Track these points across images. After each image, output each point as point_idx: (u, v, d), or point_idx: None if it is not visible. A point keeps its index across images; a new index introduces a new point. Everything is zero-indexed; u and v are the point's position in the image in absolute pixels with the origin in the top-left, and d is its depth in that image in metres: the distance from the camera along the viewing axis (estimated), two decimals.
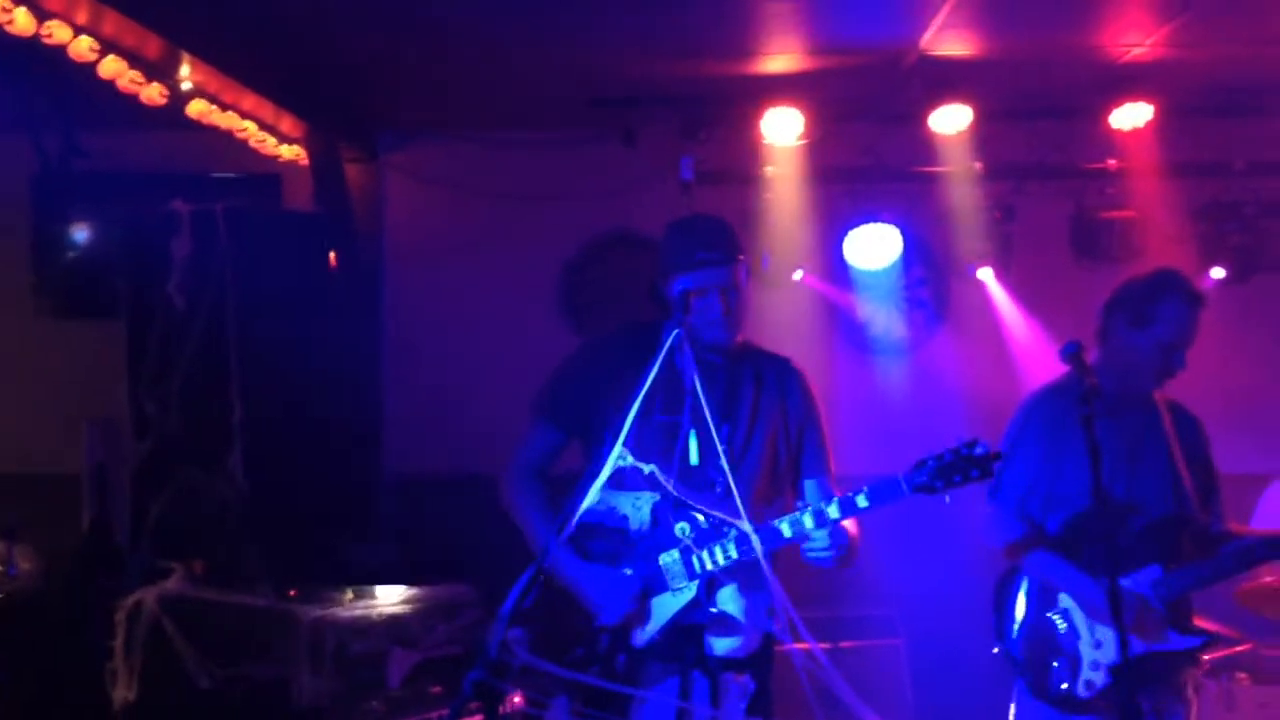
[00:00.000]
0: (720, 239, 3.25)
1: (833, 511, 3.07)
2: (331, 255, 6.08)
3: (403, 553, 5.71)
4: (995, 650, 3.75)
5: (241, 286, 5.47)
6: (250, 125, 5.60)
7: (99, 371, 5.67)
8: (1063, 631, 3.62)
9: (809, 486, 3.37)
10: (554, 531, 2.90)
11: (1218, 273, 5.90)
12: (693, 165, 5.70)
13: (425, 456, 6.25)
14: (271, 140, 5.86)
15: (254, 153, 5.84)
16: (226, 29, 4.71)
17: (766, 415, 3.31)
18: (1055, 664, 3.61)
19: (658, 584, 3.20)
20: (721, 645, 3.23)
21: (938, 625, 5.52)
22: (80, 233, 6.13)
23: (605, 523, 3.24)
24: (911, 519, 5.54)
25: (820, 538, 3.09)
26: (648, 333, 3.28)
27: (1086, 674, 3.58)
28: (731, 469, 3.12)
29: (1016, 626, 3.70)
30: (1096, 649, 3.58)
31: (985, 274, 5.92)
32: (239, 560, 5.32)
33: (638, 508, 3.22)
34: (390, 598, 5.37)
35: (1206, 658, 4.42)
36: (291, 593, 5.23)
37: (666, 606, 3.19)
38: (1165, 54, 5.05)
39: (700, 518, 3.17)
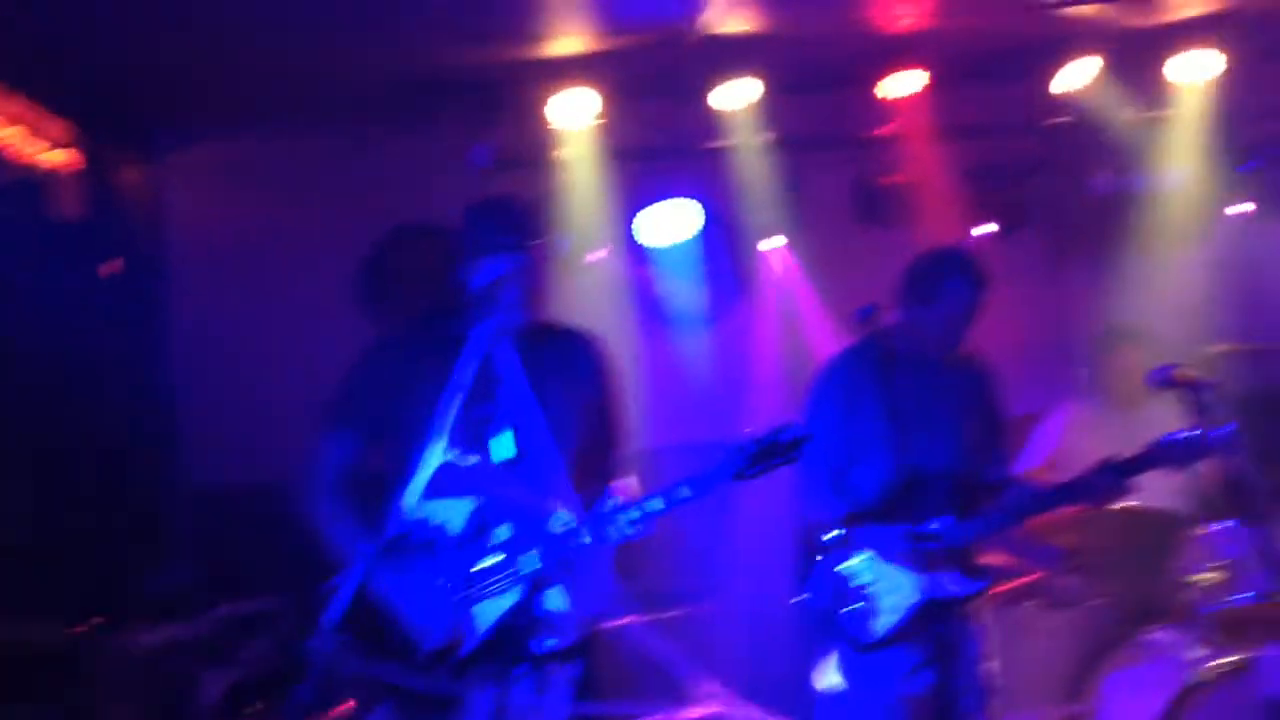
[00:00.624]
0: (520, 221, 3.21)
1: (657, 504, 3.09)
2: (109, 264, 5.80)
3: (210, 568, 5.49)
4: (797, 599, 3.92)
5: (10, 304, 5.16)
6: (13, 130, 5.25)
7: None
8: (860, 578, 3.81)
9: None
10: (370, 543, 2.83)
11: (989, 228, 6.26)
12: (489, 152, 5.66)
13: (228, 467, 6.01)
14: (37, 145, 5.50)
15: (17, 159, 5.47)
16: None
17: (574, 395, 3.29)
18: (854, 608, 3.80)
19: (479, 591, 3.13)
20: (548, 643, 3.18)
21: (755, 585, 5.68)
22: None
23: (420, 534, 3.14)
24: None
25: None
26: (445, 322, 3.22)
27: (884, 616, 3.79)
28: (544, 459, 3.12)
29: (818, 574, 3.87)
30: (892, 593, 3.79)
31: (772, 244, 6.10)
32: (26, 592, 5.03)
33: (454, 515, 3.15)
34: (198, 617, 5.17)
35: (998, 589, 4.75)
36: (90, 622, 4.98)
37: (489, 614, 3.13)
38: (932, 23, 5.30)
39: (522, 516, 3.13)
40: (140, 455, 5.77)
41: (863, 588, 3.79)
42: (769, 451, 3.06)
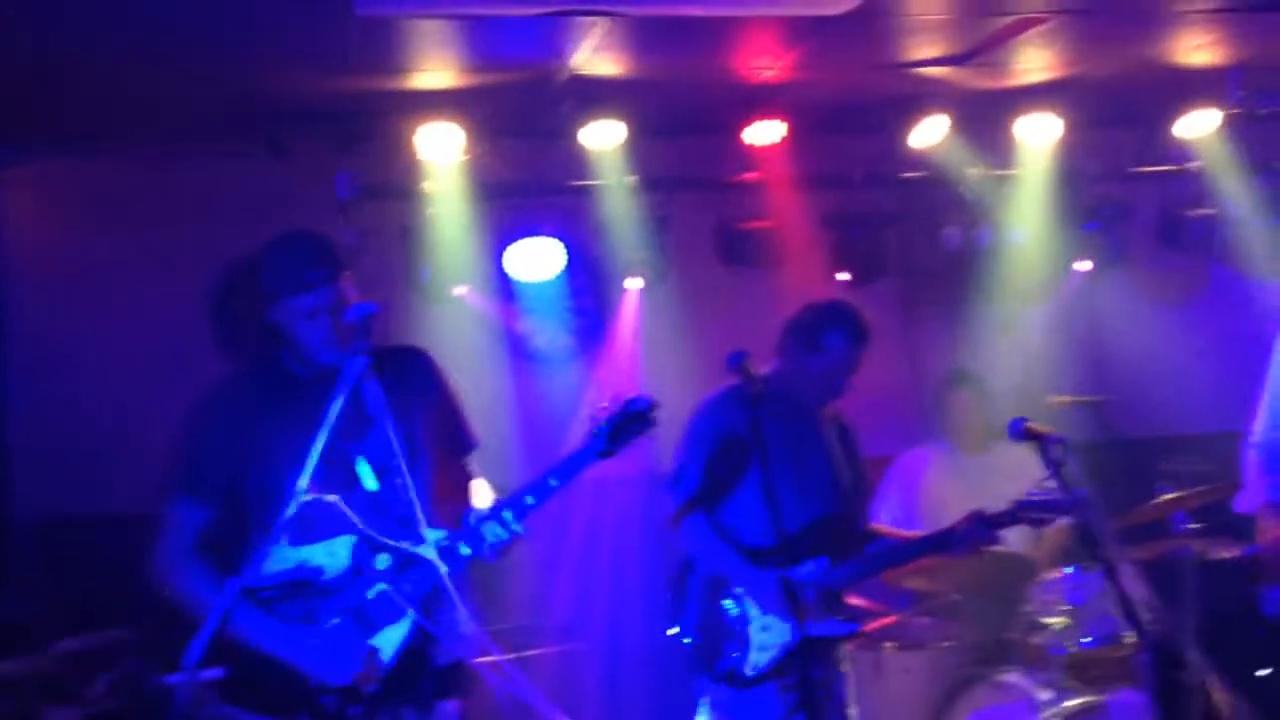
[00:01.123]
0: (324, 256, 3.19)
1: (529, 500, 3.13)
2: None
3: (49, 600, 5.24)
4: (670, 632, 3.97)
5: None
6: None
7: None
8: (734, 616, 3.89)
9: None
10: (233, 582, 2.77)
11: (843, 276, 6.45)
12: (350, 181, 5.59)
13: (65, 496, 5.76)
14: None
15: None
16: None
17: (418, 419, 3.29)
18: (725, 645, 3.88)
19: (373, 622, 3.12)
20: (440, 659, 3.20)
21: (617, 624, 5.71)
22: None
23: (295, 579, 3.12)
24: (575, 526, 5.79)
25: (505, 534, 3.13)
26: (269, 368, 3.21)
27: (754, 655, 3.88)
28: (403, 483, 3.09)
29: (692, 613, 3.95)
30: (765, 632, 3.89)
31: (634, 284, 6.17)
32: None
33: (333, 554, 3.13)
34: (38, 652, 4.93)
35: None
36: None
37: (390, 640, 3.12)
38: (793, 76, 5.45)
39: (402, 544, 3.11)
40: None
41: (736, 625, 3.86)
42: (624, 424, 3.13)
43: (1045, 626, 4.79)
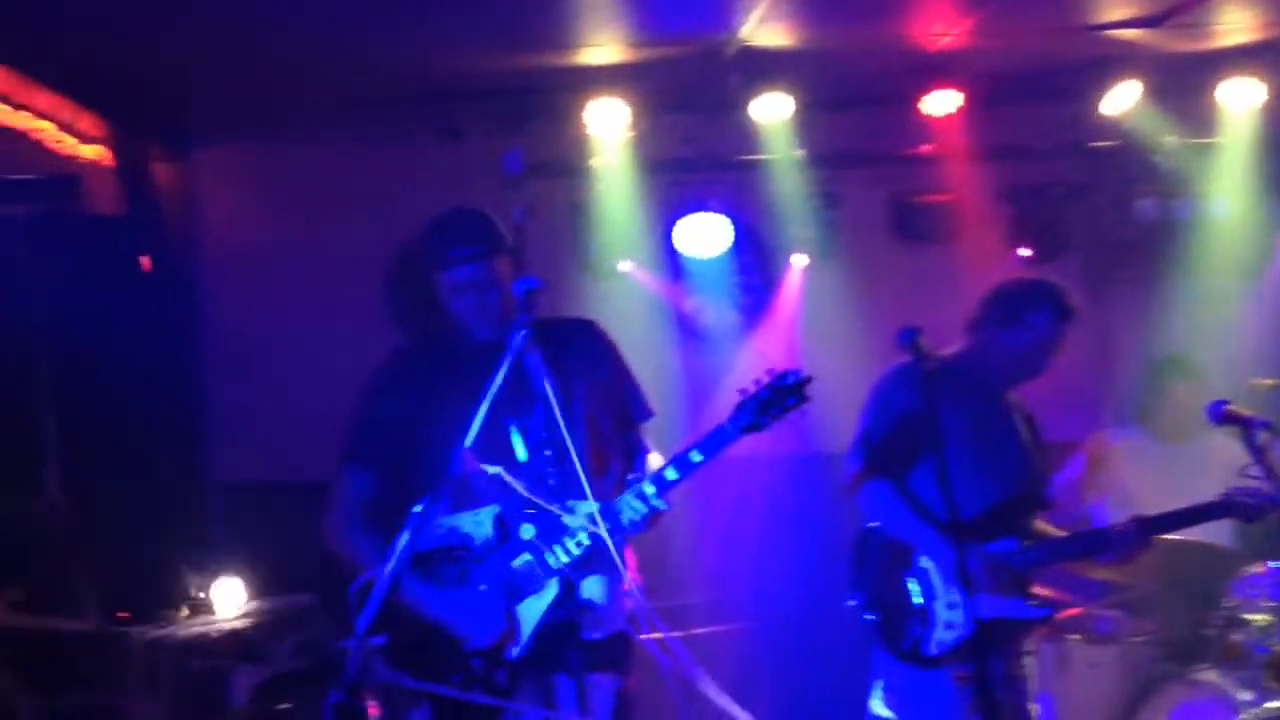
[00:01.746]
0: (473, 234, 3.19)
1: (670, 474, 3.08)
2: (144, 259, 5.84)
3: (238, 564, 5.51)
4: (851, 603, 3.85)
5: (47, 296, 5.21)
6: (47, 125, 5.30)
7: None
8: (918, 589, 3.74)
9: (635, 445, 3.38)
10: (398, 558, 2.82)
11: (1024, 252, 6.20)
12: (520, 159, 5.65)
13: (255, 463, 6.04)
14: (70, 140, 5.55)
15: (49, 153, 5.52)
16: (16, 26, 4.43)
17: (579, 391, 3.27)
18: (909, 620, 3.73)
19: (518, 591, 3.16)
20: (593, 634, 3.19)
21: (784, 605, 5.65)
22: None
23: (447, 545, 3.17)
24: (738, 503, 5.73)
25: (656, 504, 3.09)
26: (437, 342, 3.25)
27: (939, 633, 3.70)
28: (557, 455, 3.11)
29: (873, 583, 3.81)
30: (950, 609, 3.71)
31: (799, 260, 6.06)
32: (61, 583, 5.07)
33: (479, 523, 3.16)
34: (230, 612, 5.19)
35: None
36: (122, 614, 5.02)
37: (532, 611, 3.15)
38: (971, 42, 5.24)
39: (552, 510, 3.11)
40: (171, 449, 5.80)
41: (921, 599, 3.73)
42: (774, 399, 3.03)
43: (1247, 623, 4.50)
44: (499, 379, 2.94)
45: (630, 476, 3.21)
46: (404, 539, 2.81)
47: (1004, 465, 3.85)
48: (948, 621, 3.71)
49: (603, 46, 5.24)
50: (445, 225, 3.24)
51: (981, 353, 3.88)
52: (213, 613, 5.12)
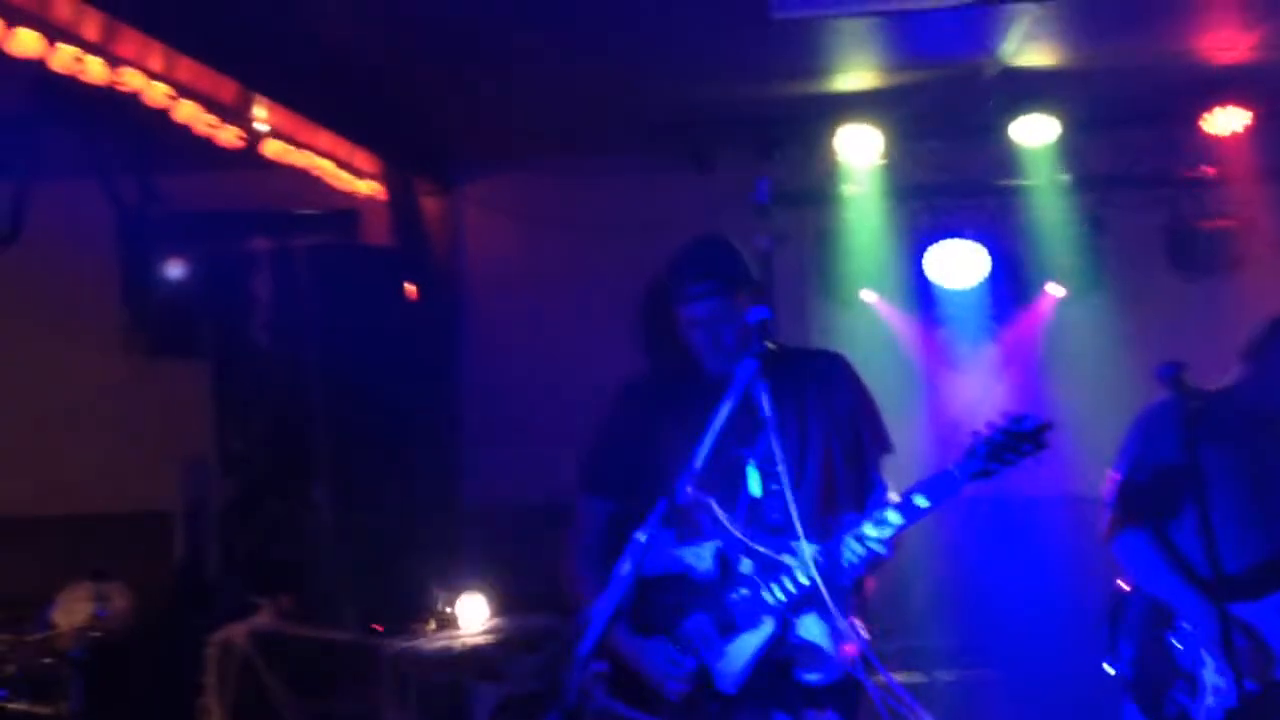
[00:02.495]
0: (711, 269, 3.09)
1: (893, 518, 2.93)
2: (410, 288, 6.14)
3: (485, 582, 5.68)
4: (1107, 667, 3.57)
5: (323, 322, 5.54)
6: (326, 163, 5.66)
7: (184, 410, 5.75)
8: (1182, 653, 3.43)
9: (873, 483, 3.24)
10: (621, 585, 2.81)
11: None
12: (769, 188, 5.61)
13: (505, 486, 6.23)
14: (348, 176, 5.92)
15: (331, 189, 5.90)
16: (298, 70, 4.76)
17: (814, 423, 3.18)
18: (1173, 686, 3.42)
19: (733, 626, 3.10)
20: (810, 676, 3.11)
21: (1028, 654, 5.33)
22: (168, 272, 6.22)
23: (669, 573, 3.13)
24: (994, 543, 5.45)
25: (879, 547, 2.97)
26: (678, 370, 3.17)
27: (1209, 700, 3.38)
28: (791, 490, 2.97)
29: (1131, 645, 3.51)
30: (1219, 675, 3.36)
31: (1055, 290, 5.76)
32: (326, 594, 5.36)
33: (700, 556, 3.11)
34: (473, 629, 5.35)
35: None
36: (377, 627, 5.25)
37: (746, 646, 3.08)
38: (1260, 57, 4.85)
39: (763, 550, 3.04)
40: (429, 468, 6.05)
41: (1184, 664, 3.41)
42: (1007, 444, 2.82)
43: None
44: (725, 410, 2.90)
45: (857, 515, 3.07)
46: (626, 567, 2.80)
47: (1277, 509, 3.49)
48: (1216, 687, 3.39)
49: (856, 72, 5.15)
50: (684, 258, 3.18)
51: (1269, 380, 3.48)
52: (457, 628, 5.28)
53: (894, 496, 3.16)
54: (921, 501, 2.90)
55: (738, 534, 3.03)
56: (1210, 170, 5.47)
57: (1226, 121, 5.26)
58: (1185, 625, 3.43)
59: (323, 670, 5.16)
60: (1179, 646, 3.43)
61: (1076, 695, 4.01)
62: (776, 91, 5.30)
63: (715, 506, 2.96)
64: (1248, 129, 5.27)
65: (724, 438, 2.97)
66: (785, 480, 2.97)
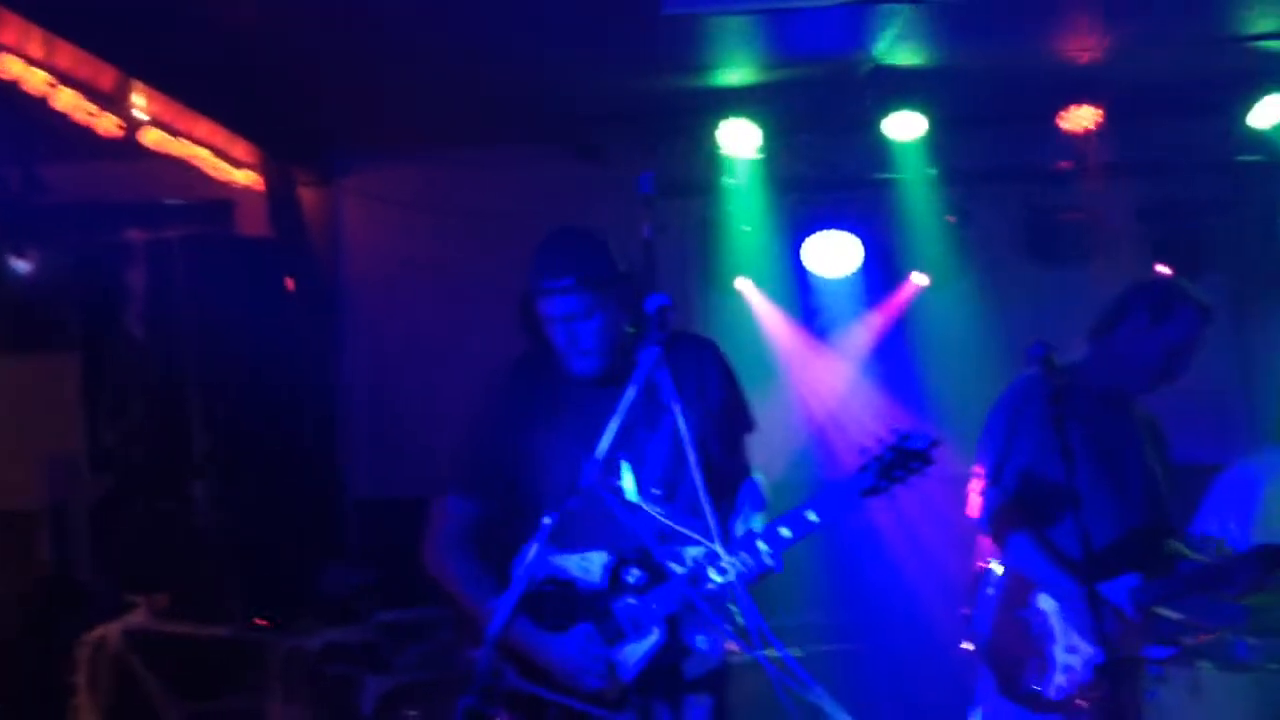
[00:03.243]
0: (570, 266, 3.01)
1: (785, 533, 2.96)
2: (288, 280, 6.06)
3: (374, 575, 5.66)
4: (965, 645, 3.74)
5: (199, 314, 5.43)
6: (204, 152, 5.55)
7: (50, 405, 5.57)
8: (1037, 631, 3.61)
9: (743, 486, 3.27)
10: (536, 559, 2.83)
11: (1163, 270, 6.01)
12: (653, 179, 5.72)
13: (390, 479, 6.20)
14: (226, 166, 5.81)
15: (208, 179, 5.78)
16: (178, 57, 4.67)
17: (689, 418, 3.04)
18: (1027, 662, 3.59)
19: (620, 635, 3.09)
20: (692, 672, 3.14)
21: (897, 626, 5.55)
22: (29, 265, 6.02)
23: (555, 579, 3.12)
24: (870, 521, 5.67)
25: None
26: (548, 366, 3.14)
27: (1058, 677, 3.57)
28: (666, 494, 3.05)
29: (988, 620, 3.67)
30: (1070, 653, 3.57)
31: (920, 280, 6.01)
32: (206, 591, 5.27)
33: (586, 568, 3.10)
34: (362, 621, 5.33)
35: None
36: (261, 622, 5.18)
37: (633, 654, 3.08)
38: (1112, 57, 5.13)
39: (651, 558, 3.02)
40: (313, 463, 5.98)
41: (1038, 642, 3.60)
42: (898, 461, 2.90)
43: None
44: (629, 397, 2.88)
45: (741, 524, 3.11)
46: (533, 550, 2.80)
47: (1134, 491, 3.68)
48: (1066, 665, 3.57)
49: (738, 68, 5.28)
50: (543, 252, 3.09)
51: (1113, 359, 3.68)
52: (345, 622, 5.25)
53: (760, 483, 3.25)
54: (812, 516, 2.94)
55: (632, 540, 2.99)
56: (1066, 165, 5.75)
57: (1080, 119, 5.54)
58: (1041, 604, 3.60)
59: (206, 668, 5.07)
60: (1035, 624, 3.59)
61: (943, 668, 4.18)
62: (662, 85, 5.40)
63: (609, 511, 2.92)
64: (1098, 126, 5.54)
65: (627, 426, 2.99)
66: (665, 487, 3.02)
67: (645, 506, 3.04)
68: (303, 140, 6.10)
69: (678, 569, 3.00)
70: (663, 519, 3.03)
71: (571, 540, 3.04)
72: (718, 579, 2.96)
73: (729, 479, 3.23)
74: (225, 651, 5.09)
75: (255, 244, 6.04)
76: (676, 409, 2.95)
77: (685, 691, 3.12)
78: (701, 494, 2.96)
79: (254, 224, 6.13)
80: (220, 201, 6.04)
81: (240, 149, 5.83)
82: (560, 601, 3.10)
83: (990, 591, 3.70)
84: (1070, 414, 3.22)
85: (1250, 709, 4.49)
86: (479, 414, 3.28)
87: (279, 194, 6.10)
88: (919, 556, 5.63)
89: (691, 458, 2.96)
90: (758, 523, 3.06)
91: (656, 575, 3.05)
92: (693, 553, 2.99)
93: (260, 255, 5.96)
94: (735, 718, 3.21)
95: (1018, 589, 3.65)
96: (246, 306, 5.53)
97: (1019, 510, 3.62)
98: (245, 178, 6.01)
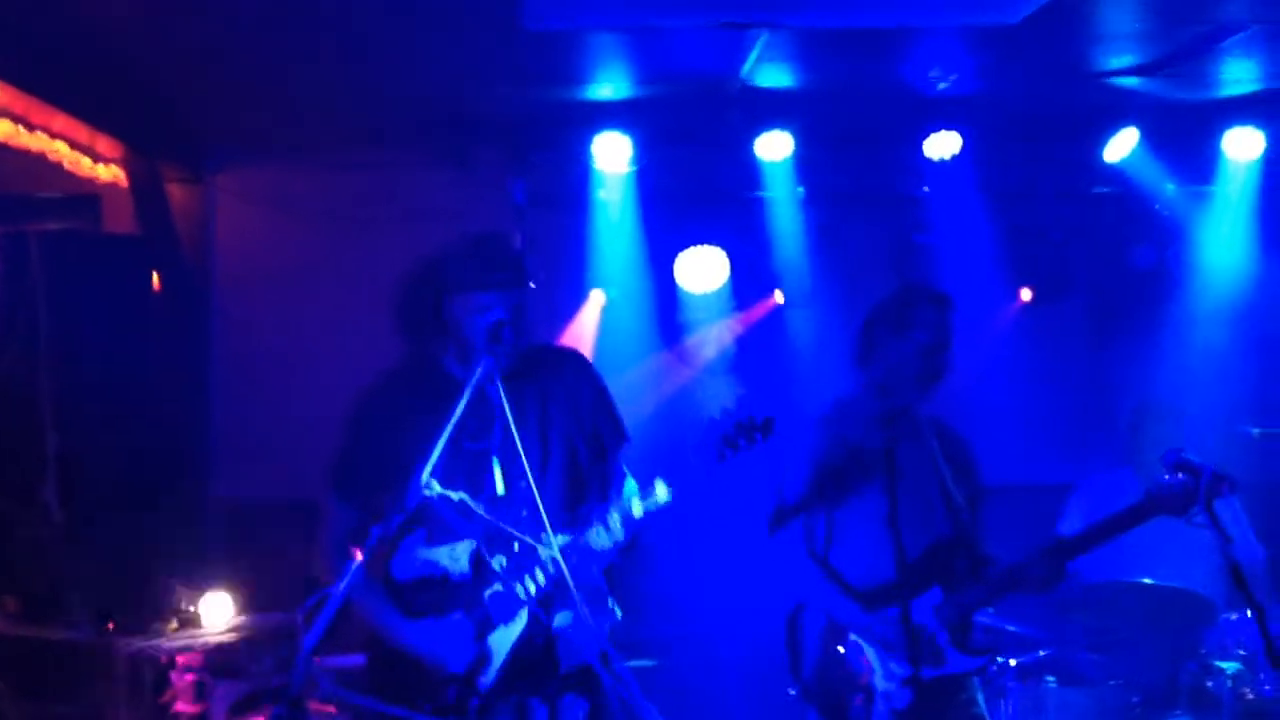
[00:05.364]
0: (511, 261, 3.24)
1: (637, 507, 3.11)
2: (155, 278, 5.95)
3: (233, 581, 5.58)
4: (791, 691, 3.79)
5: (56, 312, 5.31)
6: (62, 146, 5.42)
7: None
8: (854, 666, 3.66)
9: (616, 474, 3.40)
10: (361, 565, 2.87)
11: (1025, 294, 6.21)
12: (524, 189, 5.74)
13: (257, 482, 6.12)
14: (87, 161, 5.68)
15: (72, 174, 5.65)
16: (31, 49, 4.56)
17: (558, 422, 3.32)
18: (851, 698, 3.64)
19: (490, 621, 3.20)
20: (564, 663, 3.24)
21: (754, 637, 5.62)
22: None
23: (425, 576, 3.22)
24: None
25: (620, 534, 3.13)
26: (427, 369, 3.28)
27: (880, 705, 3.61)
28: (536, 488, 3.13)
29: (810, 662, 3.73)
30: (889, 680, 3.62)
31: (779, 297, 6.11)
32: (54, 594, 5.15)
33: (455, 558, 3.21)
34: (217, 626, 5.25)
35: (1014, 662, 4.65)
36: (110, 625, 5.09)
37: (503, 640, 3.19)
38: (973, 86, 5.27)
39: (515, 546, 3.17)
40: (174, 465, 5.88)
41: (858, 674, 3.65)
42: (739, 433, 3.06)
43: (1220, 670, 4.48)
44: (461, 405, 3.00)
45: (603, 507, 3.22)
46: (356, 561, 2.86)
47: (921, 505, 3.74)
48: (886, 693, 3.61)
49: (608, 83, 5.31)
50: (484, 245, 3.26)
51: (881, 374, 3.75)
52: (200, 626, 5.17)
53: (634, 484, 3.34)
54: (662, 490, 3.09)
55: (497, 529, 3.12)
56: (927, 189, 5.89)
57: (942, 145, 5.68)
58: (854, 637, 3.67)
59: (51, 673, 4.96)
60: (852, 659, 3.66)
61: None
62: (533, 96, 5.42)
63: (468, 499, 3.03)
64: (960, 151, 5.69)
65: (460, 433, 3.07)
66: (530, 474, 3.10)
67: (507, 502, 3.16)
68: (171, 137, 5.99)
69: (542, 552, 3.10)
70: (517, 515, 3.15)
71: (436, 535, 3.17)
72: (574, 557, 3.08)
73: (601, 482, 3.36)
74: (73, 656, 4.98)
75: (119, 241, 5.91)
76: (510, 420, 3.10)
77: (562, 690, 3.22)
78: (552, 491, 3.14)
79: (121, 220, 6.00)
80: (85, 196, 5.88)
81: (104, 143, 5.70)
82: (432, 593, 3.20)
83: (807, 630, 3.76)
84: (868, 435, 3.30)
85: None
86: (356, 416, 3.37)
87: (145, 191, 5.98)
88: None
89: (533, 464, 3.12)
90: (616, 505, 3.17)
91: (521, 560, 3.15)
92: (555, 539, 3.09)
93: (124, 253, 5.84)
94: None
95: (833, 625, 3.70)
96: (110, 305, 5.43)
97: (809, 540, 3.71)
98: (110, 173, 5.88)
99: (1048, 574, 3.67)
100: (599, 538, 3.13)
